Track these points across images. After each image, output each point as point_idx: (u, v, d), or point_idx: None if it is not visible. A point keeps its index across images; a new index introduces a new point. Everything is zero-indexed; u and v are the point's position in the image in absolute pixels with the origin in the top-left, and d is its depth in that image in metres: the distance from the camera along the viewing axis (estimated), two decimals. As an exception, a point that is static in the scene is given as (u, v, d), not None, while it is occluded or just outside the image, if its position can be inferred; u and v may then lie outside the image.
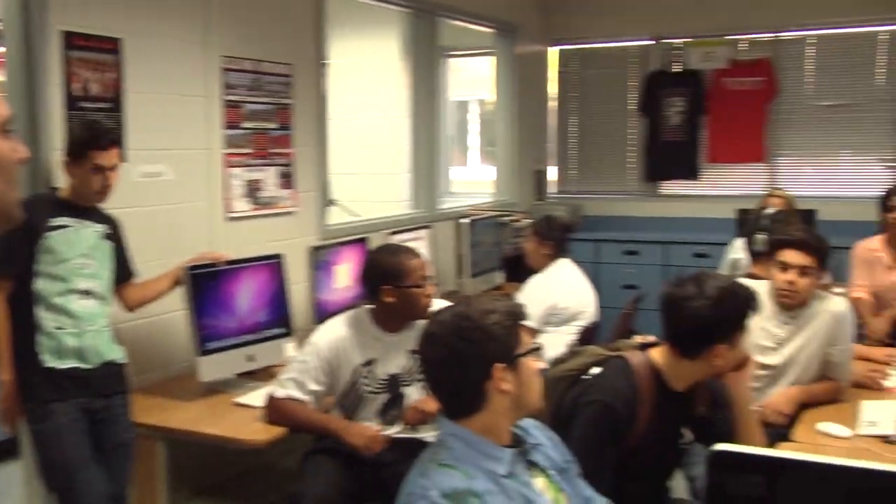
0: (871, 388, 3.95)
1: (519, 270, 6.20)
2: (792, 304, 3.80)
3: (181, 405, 3.84)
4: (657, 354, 2.89)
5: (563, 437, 2.54)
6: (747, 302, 2.80)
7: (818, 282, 3.84)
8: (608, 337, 5.44)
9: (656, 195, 8.62)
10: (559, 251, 5.40)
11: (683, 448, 3.00)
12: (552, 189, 8.93)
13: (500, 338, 2.16)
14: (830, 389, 3.82)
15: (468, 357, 2.13)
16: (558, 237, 5.40)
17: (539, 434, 2.39)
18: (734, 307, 2.78)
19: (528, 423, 2.37)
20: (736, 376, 2.90)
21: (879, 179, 7.66)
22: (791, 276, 3.74)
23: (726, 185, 8.37)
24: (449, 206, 7.25)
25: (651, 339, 3.18)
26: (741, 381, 2.91)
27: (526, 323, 2.25)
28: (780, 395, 3.76)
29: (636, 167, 8.65)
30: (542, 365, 2.30)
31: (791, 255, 3.75)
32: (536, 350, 2.27)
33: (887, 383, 3.99)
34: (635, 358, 2.88)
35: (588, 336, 5.20)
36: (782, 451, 1.21)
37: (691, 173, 8.39)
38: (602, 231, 8.28)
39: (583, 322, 5.22)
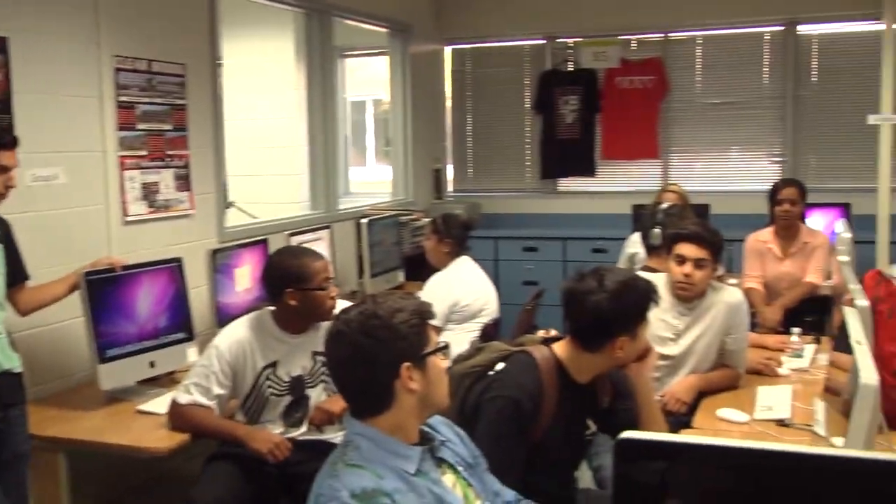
0: (765, 374, 4.10)
1: (420, 269, 6.22)
2: (689, 296, 3.91)
3: (82, 415, 3.74)
4: (560, 348, 2.94)
5: (469, 433, 2.56)
6: (647, 294, 2.87)
7: (713, 274, 3.96)
8: (510, 333, 5.49)
9: (554, 192, 8.73)
10: (459, 249, 5.43)
11: (588, 439, 3.06)
12: (450, 188, 8.98)
13: (408, 336, 2.16)
14: (727, 377, 3.94)
15: (375, 356, 2.13)
16: (458, 235, 5.43)
17: (447, 431, 2.40)
18: (634, 300, 2.84)
19: (436, 421, 2.38)
20: (638, 367, 2.97)
21: (768, 174, 7.92)
22: (687, 268, 3.85)
23: (622, 181, 8.53)
24: (348, 207, 7.23)
25: (553, 333, 3.22)
26: (643, 371, 2.98)
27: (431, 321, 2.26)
28: (679, 385, 3.86)
29: (533, 165, 8.75)
30: (446, 364, 2.32)
31: (687, 249, 3.85)
32: (444, 348, 2.28)
33: (781, 370, 4.14)
34: (539, 352, 2.91)
35: (490, 332, 5.24)
36: (686, 437, 1.25)
37: (587, 170, 8.52)
38: (501, 228, 8.35)
39: (485, 318, 5.26)
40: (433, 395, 2.23)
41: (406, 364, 2.16)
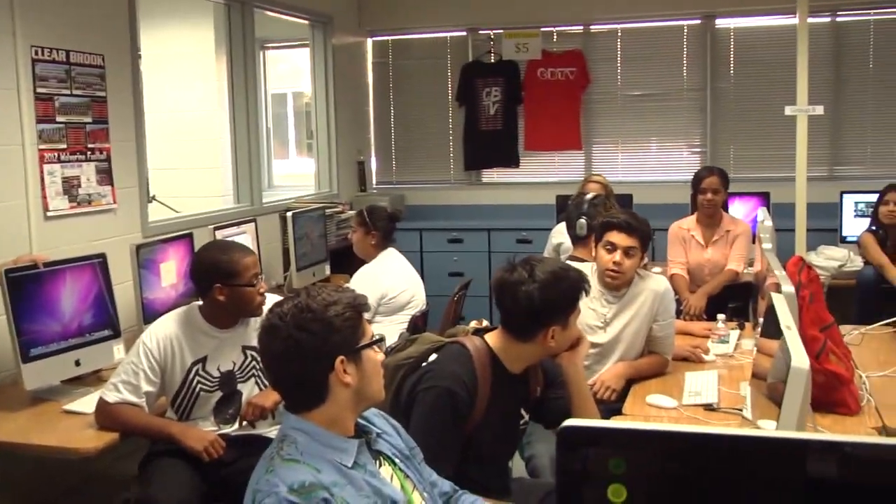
0: (692, 360, 4.19)
1: (346, 262, 6.21)
2: (617, 284, 3.97)
3: (6, 416, 3.64)
4: (493, 339, 2.96)
5: (404, 424, 2.57)
6: (578, 284, 2.91)
7: (641, 262, 4.02)
8: (438, 324, 5.52)
9: (478, 183, 8.78)
10: (385, 241, 5.43)
11: (522, 428, 3.09)
12: (374, 180, 8.97)
13: (342, 330, 2.16)
14: (656, 364, 4.02)
15: (310, 349, 2.13)
16: (384, 227, 5.43)
17: (382, 423, 2.41)
18: (565, 289, 2.88)
19: (372, 413, 2.39)
20: (570, 356, 3.01)
21: (688, 164, 8.06)
22: (617, 256, 3.91)
23: (545, 172, 8.61)
24: (272, 200, 7.17)
25: (485, 323, 3.25)
26: (575, 360, 3.02)
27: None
28: (608, 372, 3.92)
29: (457, 156, 8.78)
30: (382, 356, 2.32)
31: (617, 237, 3.92)
32: (379, 341, 2.29)
33: (707, 356, 4.23)
34: (472, 343, 2.93)
35: (418, 324, 5.26)
36: (629, 423, 1.27)
37: (511, 161, 8.59)
38: (426, 220, 8.37)
39: (413, 310, 5.28)
40: (368, 388, 2.24)
41: (340, 357, 2.16)
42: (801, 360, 1.73)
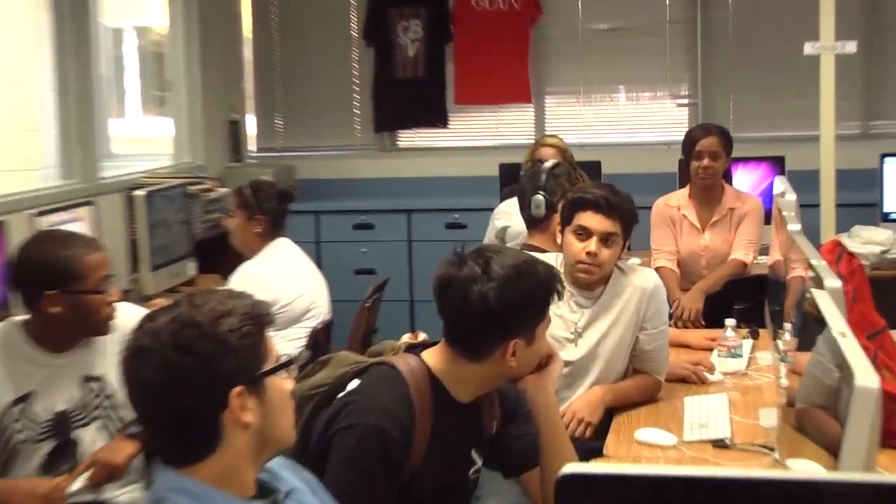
0: (692, 382, 4.23)
1: (218, 257, 6.15)
2: (592, 281, 3.98)
3: None
4: (433, 357, 2.95)
5: (318, 475, 2.54)
6: (548, 282, 2.91)
7: (622, 252, 4.04)
8: (345, 340, 5.50)
9: (393, 150, 8.79)
10: (275, 228, 5.41)
11: (474, 477, 3.08)
12: (253, 146, 8.94)
13: (239, 350, 2.14)
14: (644, 386, 4.05)
15: (195, 379, 2.10)
16: (273, 210, 5.41)
17: (291, 477, 2.39)
18: (531, 290, 2.87)
19: (277, 465, 2.37)
20: (537, 380, 3.00)
21: (672, 121, 8.16)
22: (592, 245, 3.91)
23: (483, 133, 8.65)
24: (114, 175, 7.06)
25: (422, 337, 3.24)
26: (544, 385, 3.01)
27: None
28: (581, 401, 3.94)
29: (364, 114, 8.76)
30: (293, 383, 2.30)
31: (592, 219, 3.92)
32: (287, 364, 2.27)
33: (712, 376, 4.27)
34: (405, 364, 2.92)
35: (320, 339, 5.26)
36: (648, 467, 1.26)
37: (437, 119, 8.61)
38: (323, 200, 8.33)
39: (313, 321, 5.27)
40: (275, 429, 2.23)
41: (237, 388, 2.13)
42: (867, 376, 1.74)
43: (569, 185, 4.60)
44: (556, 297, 2.93)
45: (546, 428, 3.02)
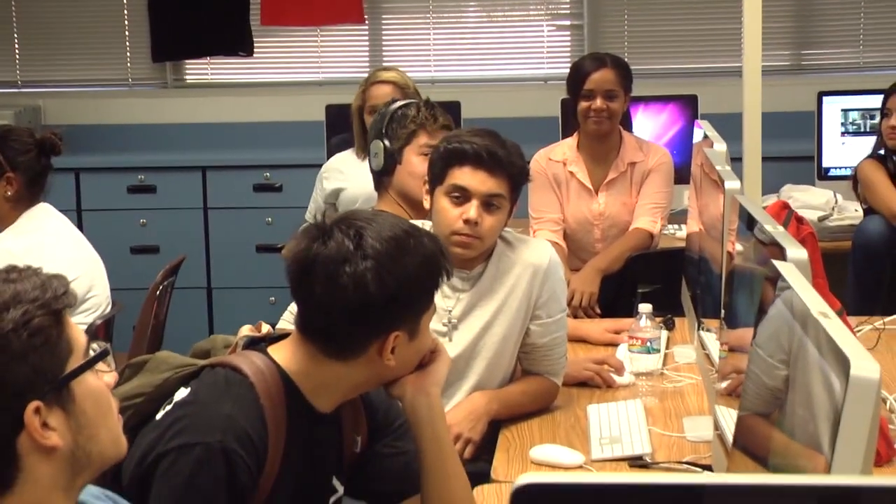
0: (596, 385, 4.35)
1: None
2: (470, 258, 4.06)
3: None
4: (284, 354, 2.97)
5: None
6: (436, 259, 2.96)
7: (507, 220, 4.13)
8: (128, 340, 5.48)
9: (178, 86, 8.82)
10: (33, 192, 5.31)
11: (337, 504, 3.15)
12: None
13: (30, 353, 2.11)
14: (536, 391, 4.15)
15: None
16: (31, 167, 5.31)
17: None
18: (417, 268, 2.92)
19: (90, 495, 2.38)
20: (419, 381, 3.06)
21: (554, 48, 8.29)
22: (472, 211, 3.94)
23: (302, 65, 8.75)
24: None
25: (266, 329, 3.25)
26: (427, 388, 3.07)
27: None
28: (458, 411, 4.01)
29: (138, 37, 8.72)
30: (113, 377, 2.30)
31: (471, 178, 3.95)
32: (102, 357, 2.26)
33: (620, 378, 4.39)
34: (250, 364, 2.93)
35: (100, 338, 5.18)
36: (616, 475, 1.37)
37: (238, 45, 8.59)
38: (84, 153, 8.22)
39: (90, 315, 5.22)
40: (93, 444, 2.21)
41: (33, 405, 2.11)
42: (865, 363, 1.83)
43: (430, 126, 4.71)
44: (444, 276, 2.99)
45: (430, 443, 3.06)
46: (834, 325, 2.04)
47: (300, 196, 6.36)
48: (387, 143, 4.70)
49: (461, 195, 3.97)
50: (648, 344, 4.46)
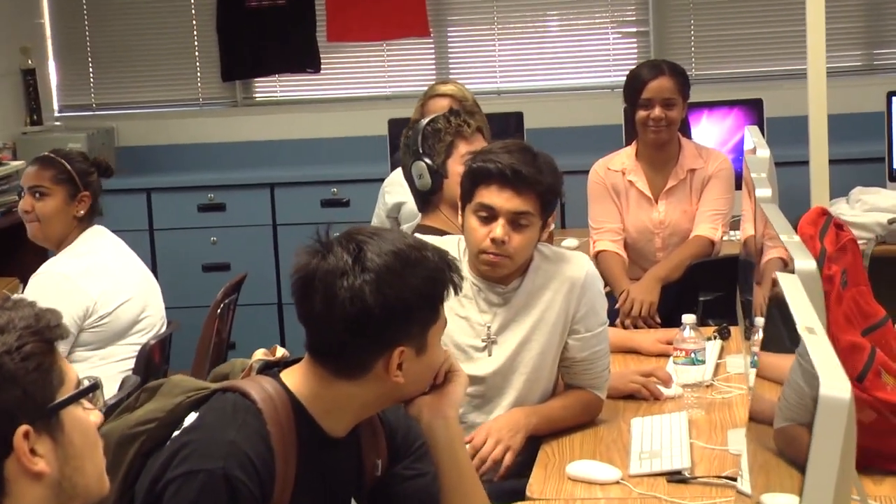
0: (643, 398, 4.29)
1: (11, 254, 6.11)
2: (502, 275, 4.03)
3: None
4: (295, 378, 2.96)
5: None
6: (440, 272, 2.93)
7: (544, 235, 4.09)
8: (189, 359, 5.49)
9: (247, 104, 8.86)
10: (93, 213, 5.36)
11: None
12: (57, 104, 8.92)
13: (21, 377, 2.13)
14: (577, 406, 4.11)
15: None
16: (96, 188, 5.36)
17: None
18: (419, 283, 2.88)
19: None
20: (435, 402, 3.05)
21: (619, 56, 8.26)
22: (498, 229, 3.91)
23: (368, 80, 8.73)
24: None
25: (282, 352, 3.23)
26: (443, 409, 3.06)
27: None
28: (499, 420, 3.98)
29: (207, 58, 8.79)
30: (98, 416, 2.29)
31: (496, 196, 3.91)
32: (91, 389, 2.26)
33: (667, 390, 4.32)
34: (259, 389, 2.91)
35: (154, 360, 5.21)
36: None
37: (305, 62, 8.65)
38: (155, 173, 8.34)
39: (144, 335, 5.25)
40: (78, 477, 2.23)
41: (22, 429, 2.13)
42: (836, 383, 1.79)
43: (459, 138, 4.67)
44: (451, 290, 2.96)
45: (448, 466, 3.06)
46: (816, 340, 2.00)
47: (367, 211, 6.36)
48: (427, 161, 4.67)
49: (488, 214, 3.94)
50: (693, 355, 4.39)
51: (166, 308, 5.47)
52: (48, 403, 2.17)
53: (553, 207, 4.07)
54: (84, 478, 2.24)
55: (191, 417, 2.93)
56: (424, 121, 4.86)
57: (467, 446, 3.73)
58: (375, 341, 2.88)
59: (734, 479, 3.50)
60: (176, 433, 2.91)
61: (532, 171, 3.92)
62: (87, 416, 2.26)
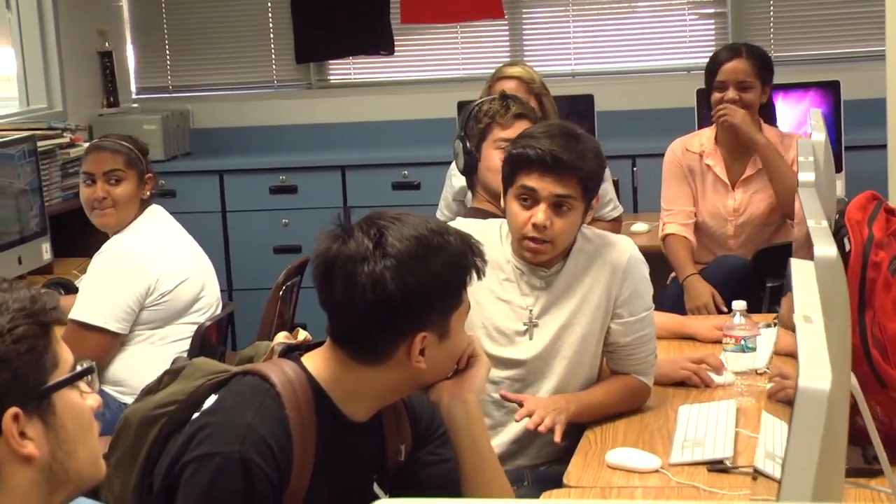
0: (695, 385, 4.25)
1: (83, 236, 6.14)
2: (544, 260, 4.01)
3: None
4: (316, 363, 2.96)
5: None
6: (462, 257, 2.92)
7: (586, 219, 4.06)
8: (250, 340, 5.52)
9: (321, 86, 8.90)
10: (153, 194, 5.44)
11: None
12: (134, 86, 9.03)
13: (13, 359, 2.13)
14: (620, 392, 4.08)
15: None
16: (151, 169, 5.45)
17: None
18: (440, 269, 2.88)
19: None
20: (455, 387, 3.04)
21: (695, 37, 8.23)
22: (540, 214, 3.89)
23: (441, 62, 8.76)
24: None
25: (305, 335, 3.23)
26: (464, 395, 3.05)
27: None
28: (542, 401, 3.94)
29: (282, 40, 8.83)
30: (96, 400, 2.29)
31: (537, 180, 3.90)
32: (86, 373, 2.26)
33: (718, 377, 4.28)
34: (279, 372, 2.92)
35: (209, 340, 5.24)
36: None
37: (379, 44, 8.66)
38: (229, 155, 8.42)
39: (201, 315, 5.30)
40: (70, 461, 2.22)
41: (13, 411, 2.13)
42: (816, 374, 1.77)
43: (502, 122, 4.68)
44: (475, 275, 2.95)
45: (468, 450, 3.06)
46: (809, 330, 1.97)
47: (437, 194, 6.33)
48: (466, 142, 4.69)
49: (529, 197, 3.92)
50: (743, 342, 4.33)
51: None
52: (40, 386, 2.17)
53: (596, 191, 4.04)
54: (77, 462, 2.23)
55: (210, 400, 2.95)
56: (478, 101, 4.90)
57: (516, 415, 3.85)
58: (397, 328, 2.88)
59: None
60: (195, 415, 2.93)
61: (573, 156, 3.89)
62: (83, 400, 2.25)
